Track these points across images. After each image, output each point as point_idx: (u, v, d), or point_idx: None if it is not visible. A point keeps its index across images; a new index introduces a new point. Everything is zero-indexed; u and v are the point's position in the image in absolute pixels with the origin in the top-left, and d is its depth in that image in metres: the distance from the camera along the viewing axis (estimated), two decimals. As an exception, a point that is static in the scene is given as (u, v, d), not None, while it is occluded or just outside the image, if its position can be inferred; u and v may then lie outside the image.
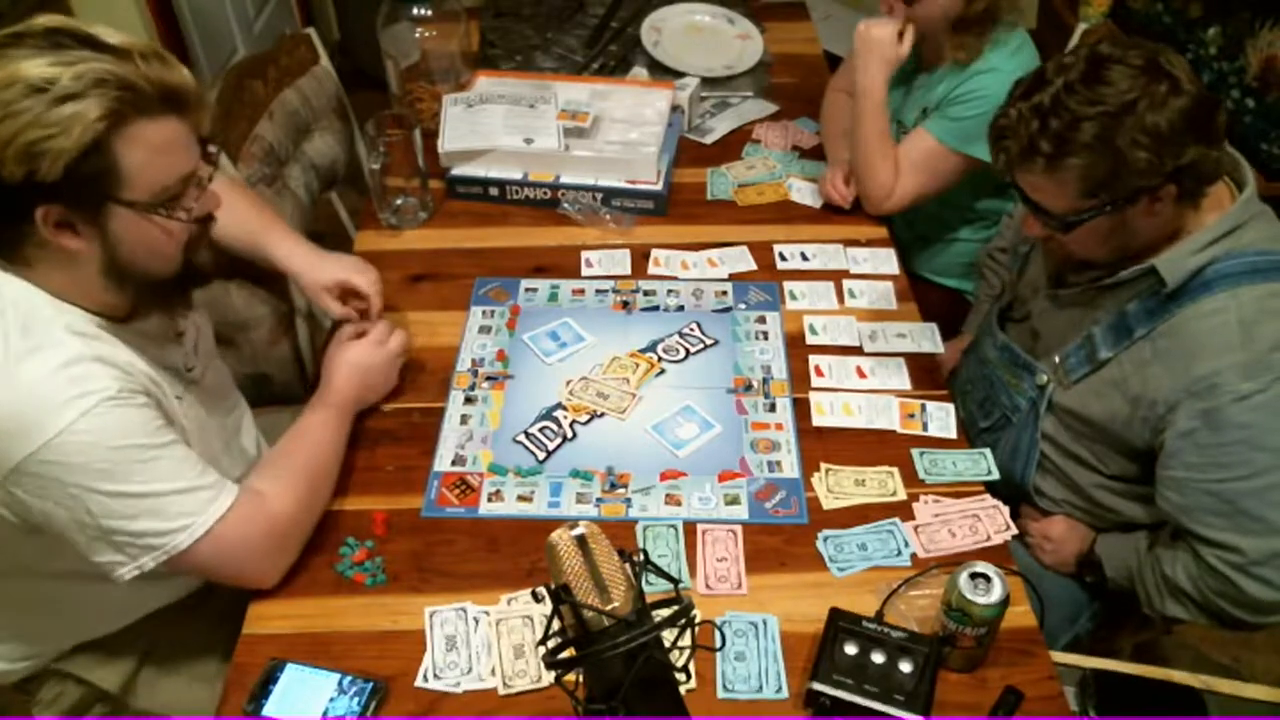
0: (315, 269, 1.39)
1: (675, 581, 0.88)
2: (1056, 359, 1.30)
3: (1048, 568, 1.41)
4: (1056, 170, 1.10)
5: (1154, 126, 1.05)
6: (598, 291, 1.59)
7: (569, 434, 1.36)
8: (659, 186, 1.73)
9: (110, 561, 1.03)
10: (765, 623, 1.14)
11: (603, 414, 1.39)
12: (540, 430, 1.36)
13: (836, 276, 1.61)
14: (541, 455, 1.33)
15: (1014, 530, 1.24)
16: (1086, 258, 1.23)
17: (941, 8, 1.55)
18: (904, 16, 1.57)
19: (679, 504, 1.27)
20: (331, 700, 1.06)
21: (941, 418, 1.38)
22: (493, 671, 1.09)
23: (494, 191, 1.75)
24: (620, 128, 1.78)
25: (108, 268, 1.01)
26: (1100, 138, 1.06)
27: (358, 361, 1.34)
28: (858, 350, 1.49)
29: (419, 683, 1.09)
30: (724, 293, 1.58)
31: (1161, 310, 1.18)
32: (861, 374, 1.45)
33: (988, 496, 1.28)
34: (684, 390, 1.42)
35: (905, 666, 1.05)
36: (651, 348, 1.49)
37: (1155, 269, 1.16)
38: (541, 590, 0.86)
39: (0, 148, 0.89)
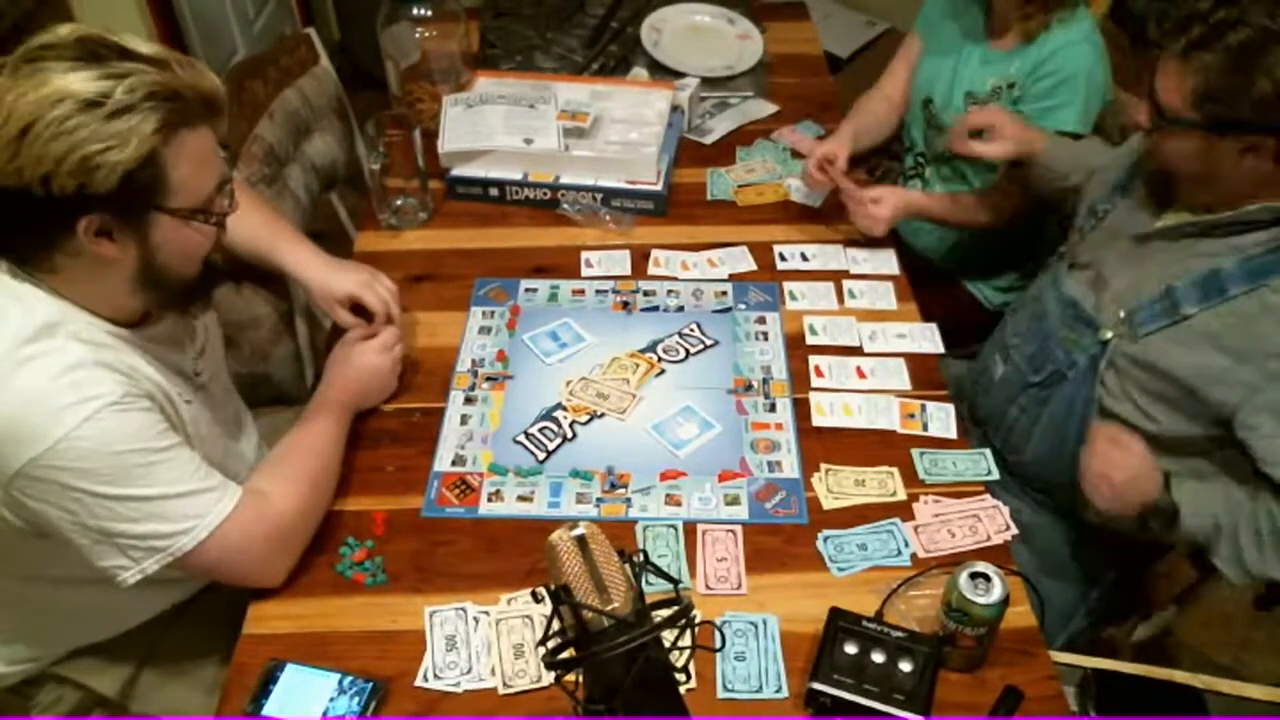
0: (328, 282, 1.38)
1: (675, 582, 0.88)
2: (1123, 312, 1.29)
3: (1099, 510, 1.26)
4: (1189, 59, 1.12)
5: None
6: (598, 292, 1.59)
7: (569, 434, 1.36)
8: (659, 187, 1.73)
9: (114, 565, 1.03)
10: (765, 623, 1.14)
11: (603, 414, 1.39)
12: (540, 430, 1.36)
13: (836, 277, 1.61)
14: (541, 455, 1.33)
15: (1014, 530, 1.24)
16: (1169, 165, 1.23)
17: None
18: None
19: (679, 504, 1.27)
20: (331, 700, 1.06)
21: (941, 418, 1.38)
22: (493, 671, 1.09)
23: (494, 192, 1.75)
24: (620, 128, 1.78)
25: (139, 273, 1.02)
26: (1243, 48, 1.08)
27: (362, 364, 1.34)
28: (858, 350, 1.49)
29: (419, 683, 1.09)
30: (724, 293, 1.58)
31: (1276, 267, 1.17)
32: (861, 374, 1.45)
33: (988, 496, 1.28)
34: (684, 390, 1.42)
35: (905, 666, 1.05)
36: (651, 348, 1.49)
37: (1269, 211, 1.16)
38: (541, 590, 0.86)
39: (54, 163, 0.89)
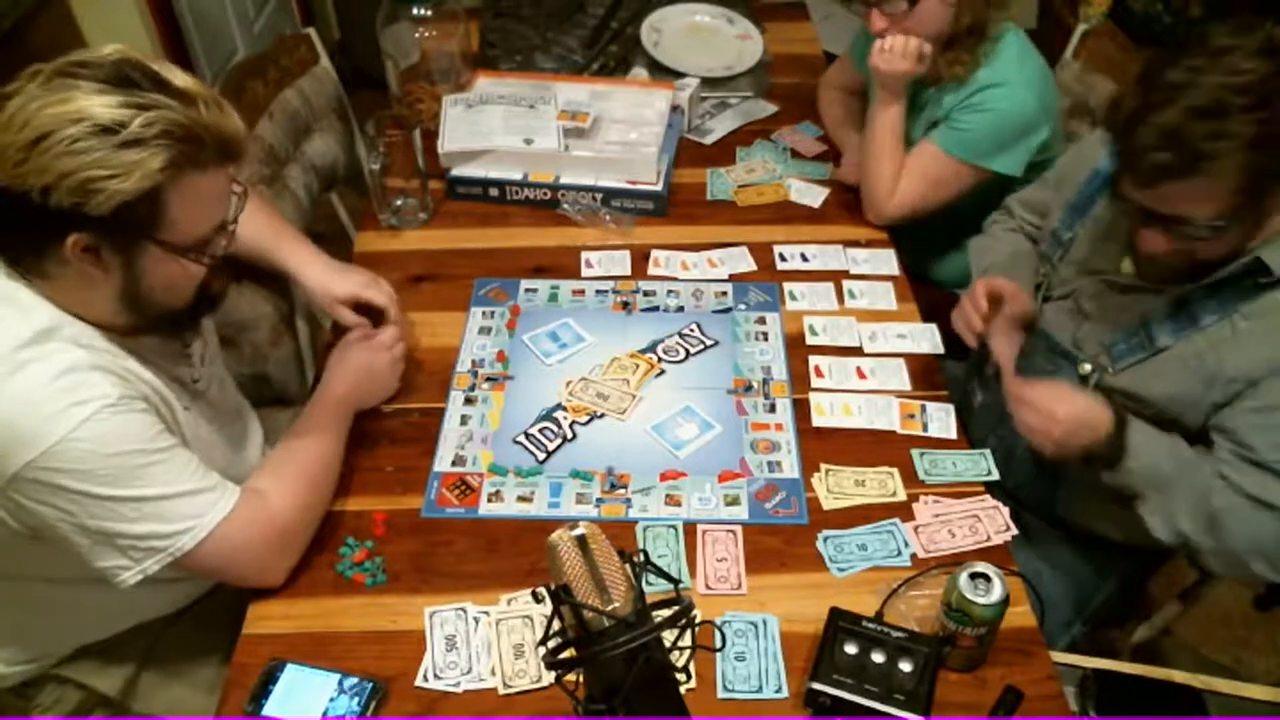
0: (329, 283, 1.39)
1: (675, 582, 0.88)
2: (1100, 345, 1.29)
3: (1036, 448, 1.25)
4: (1218, 171, 1.05)
5: None
6: (598, 292, 1.59)
7: (569, 434, 1.36)
8: (659, 187, 1.73)
9: (114, 566, 1.03)
10: (765, 623, 1.14)
11: (603, 414, 1.39)
12: (540, 431, 1.36)
13: (836, 277, 1.61)
14: (541, 456, 1.33)
15: (1014, 530, 1.24)
16: (1212, 258, 1.17)
17: (931, 28, 1.55)
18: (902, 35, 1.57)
19: (679, 504, 1.27)
20: (331, 700, 1.06)
21: (941, 418, 1.38)
22: (493, 671, 1.09)
23: (494, 192, 1.75)
24: (620, 128, 1.78)
25: (123, 294, 1.02)
26: (1262, 125, 1.02)
27: (361, 363, 1.34)
28: (858, 351, 1.49)
29: (419, 683, 1.09)
30: (724, 293, 1.58)
31: (1246, 295, 1.16)
32: (861, 375, 1.45)
33: (988, 497, 1.28)
34: (684, 391, 1.42)
35: (905, 666, 1.05)
36: (651, 348, 1.49)
37: (1259, 263, 1.13)
38: (541, 590, 0.86)
39: (57, 178, 0.89)
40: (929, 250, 1.91)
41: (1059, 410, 1.20)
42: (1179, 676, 1.23)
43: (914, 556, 1.21)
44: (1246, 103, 1.03)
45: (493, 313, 1.55)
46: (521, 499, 1.28)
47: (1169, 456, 1.21)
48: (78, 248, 0.95)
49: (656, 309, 1.56)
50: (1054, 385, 1.25)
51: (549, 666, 0.83)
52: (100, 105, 0.90)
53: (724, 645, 1.11)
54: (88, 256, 0.96)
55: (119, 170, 0.90)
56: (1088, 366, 1.29)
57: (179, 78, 0.96)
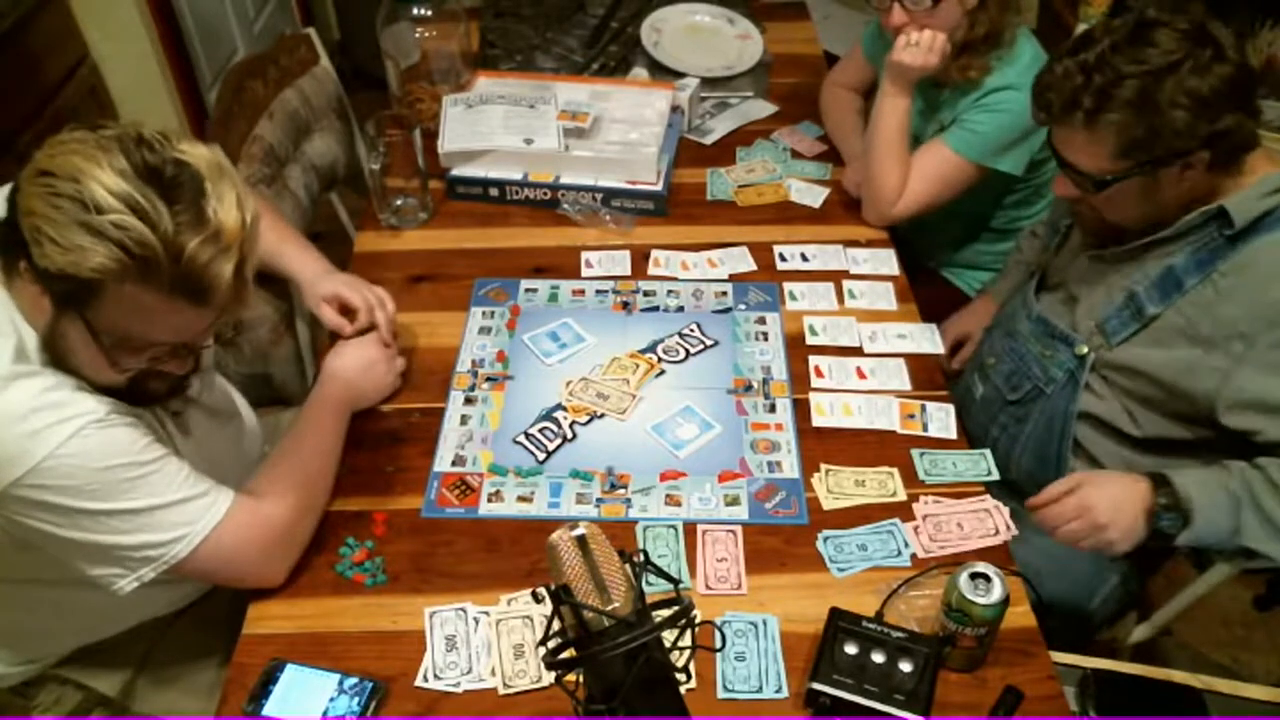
0: (315, 281, 1.40)
1: (675, 582, 0.88)
2: (1094, 324, 1.31)
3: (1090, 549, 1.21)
4: (1095, 127, 1.14)
5: (1195, 89, 1.09)
6: (598, 292, 1.59)
7: (569, 434, 1.36)
8: (659, 187, 1.73)
9: (109, 575, 1.04)
10: (765, 623, 1.14)
11: (603, 414, 1.39)
12: (540, 431, 1.36)
13: (836, 277, 1.61)
14: (541, 456, 1.33)
15: (1014, 530, 1.24)
16: (1117, 221, 1.25)
17: (949, 25, 1.56)
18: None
19: (679, 504, 1.27)
20: (331, 700, 1.06)
21: (941, 418, 1.38)
22: (493, 671, 1.09)
23: (494, 192, 1.75)
24: (620, 128, 1.78)
25: (47, 338, 0.99)
26: (1141, 95, 1.10)
27: (357, 360, 1.35)
28: (858, 351, 1.49)
29: (419, 683, 1.09)
30: (724, 293, 1.58)
31: (1221, 253, 1.19)
32: (861, 375, 1.45)
33: (988, 497, 1.28)
34: (684, 391, 1.42)
35: (905, 666, 1.05)
36: (651, 348, 1.49)
37: (1222, 212, 1.17)
38: (542, 590, 0.86)
39: (28, 213, 0.90)
40: (930, 244, 1.91)
41: (1098, 516, 1.16)
42: (1179, 676, 1.23)
43: (914, 556, 1.21)
44: (1133, 71, 1.10)
45: (493, 313, 1.55)
46: (521, 499, 1.28)
47: (1219, 474, 1.19)
48: (29, 274, 0.94)
49: (656, 309, 1.56)
50: (1065, 498, 1.19)
51: (549, 666, 0.83)
52: (103, 183, 0.88)
53: (724, 645, 1.11)
54: (32, 286, 0.95)
55: (63, 243, 0.88)
56: (1084, 347, 1.31)
57: (222, 208, 0.93)
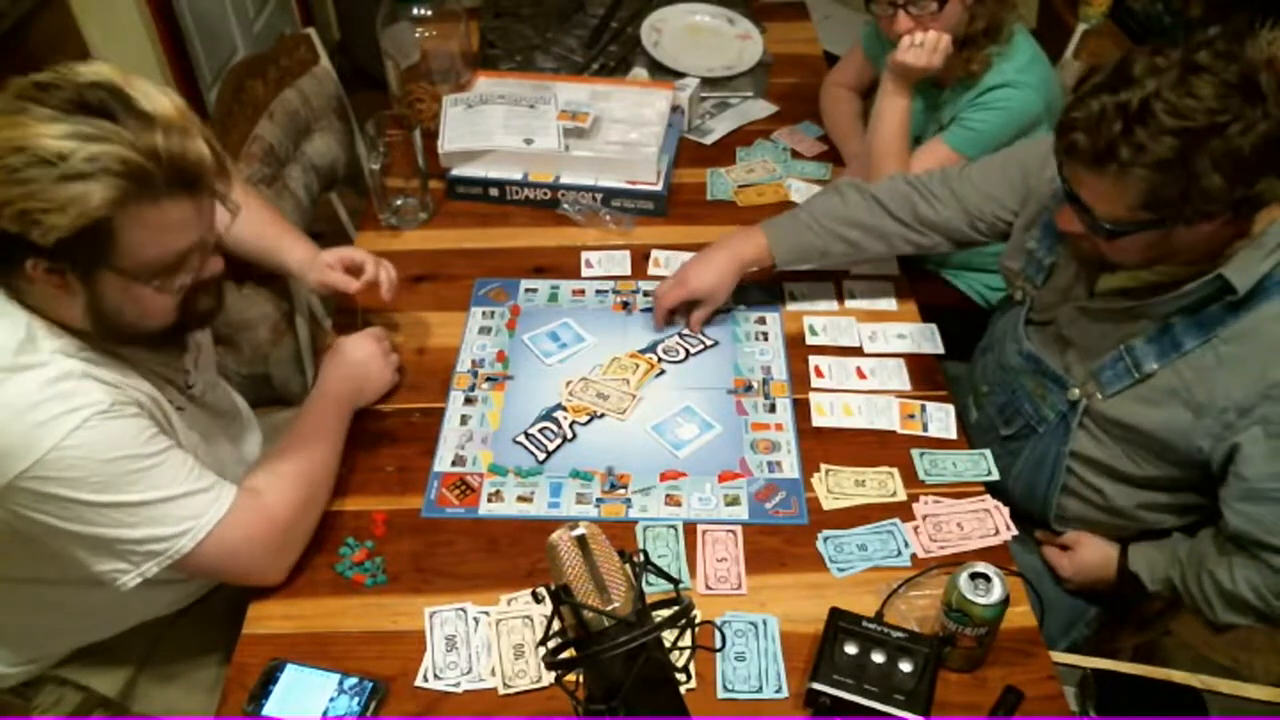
0: (318, 256, 1.41)
1: (675, 582, 0.88)
2: (1087, 370, 1.26)
3: (1073, 591, 1.40)
4: (1124, 177, 1.04)
5: (1237, 151, 0.99)
6: (598, 292, 1.59)
7: (569, 434, 1.36)
8: (659, 187, 1.73)
9: (114, 570, 1.03)
10: (765, 623, 1.14)
11: (603, 414, 1.39)
12: (540, 431, 1.36)
13: (836, 277, 1.61)
14: (541, 456, 1.33)
15: (1014, 530, 1.24)
16: (1118, 262, 1.19)
17: (952, 26, 1.57)
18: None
19: (679, 504, 1.27)
20: (331, 700, 1.06)
21: (941, 418, 1.38)
22: (493, 672, 1.09)
23: (494, 192, 1.75)
24: (620, 128, 1.78)
25: (92, 315, 1.00)
26: (1181, 155, 1.01)
27: (355, 355, 1.35)
28: (858, 351, 1.49)
29: (419, 683, 1.09)
30: (724, 293, 1.58)
31: (1223, 317, 1.13)
32: (861, 375, 1.45)
33: (988, 497, 1.28)
34: (684, 391, 1.42)
35: (905, 666, 1.05)
36: (651, 348, 1.49)
37: (1222, 279, 1.11)
38: (541, 590, 0.86)
39: (1, 205, 0.88)
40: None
41: (1081, 551, 1.38)
42: (1179, 676, 1.23)
43: (914, 556, 1.21)
44: (1176, 126, 1.00)
45: (493, 313, 1.55)
46: (521, 499, 1.28)
47: (1175, 562, 1.27)
48: (38, 270, 0.94)
49: (656, 309, 1.56)
50: (1074, 555, 1.39)
51: (549, 666, 0.83)
52: (46, 135, 0.87)
53: (724, 645, 1.11)
54: (52, 278, 0.95)
55: (56, 204, 0.87)
56: (1076, 392, 1.27)
57: (150, 100, 0.92)
